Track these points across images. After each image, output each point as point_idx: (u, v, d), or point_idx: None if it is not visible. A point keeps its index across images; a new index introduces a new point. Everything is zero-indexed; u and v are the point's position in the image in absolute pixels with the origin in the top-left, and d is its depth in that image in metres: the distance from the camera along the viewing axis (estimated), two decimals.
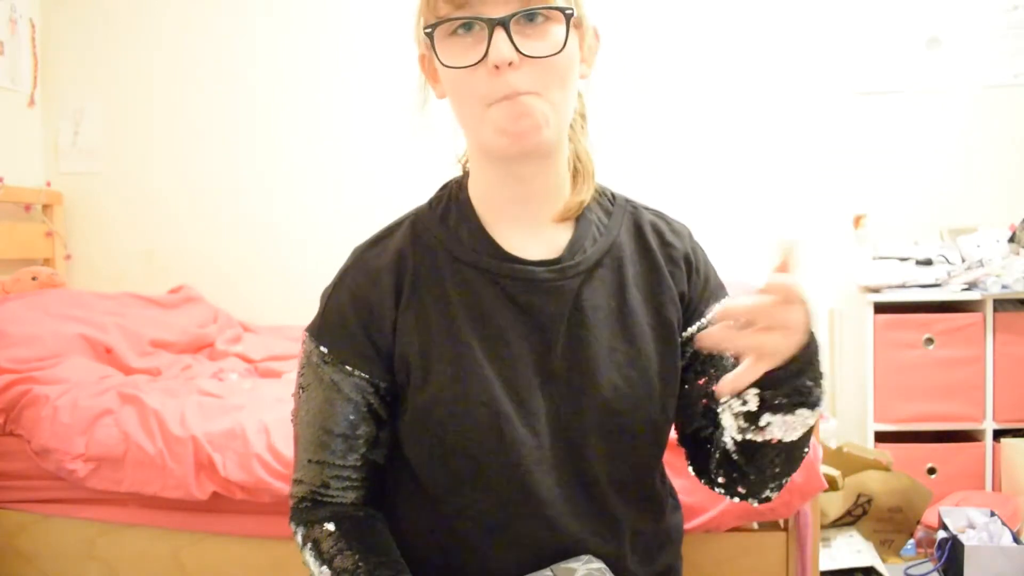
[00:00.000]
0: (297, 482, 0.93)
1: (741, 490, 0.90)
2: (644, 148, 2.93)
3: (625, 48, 2.95)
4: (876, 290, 2.63)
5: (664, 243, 0.94)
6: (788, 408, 0.76)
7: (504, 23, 0.77)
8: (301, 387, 0.93)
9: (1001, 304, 2.61)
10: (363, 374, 0.89)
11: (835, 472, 2.18)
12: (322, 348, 0.90)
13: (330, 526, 0.88)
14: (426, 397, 0.85)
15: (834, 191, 2.94)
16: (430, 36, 0.81)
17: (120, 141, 3.15)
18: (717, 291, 0.95)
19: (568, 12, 0.80)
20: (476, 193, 0.91)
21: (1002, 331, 2.57)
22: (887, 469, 2.36)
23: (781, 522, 1.65)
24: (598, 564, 0.84)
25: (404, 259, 0.90)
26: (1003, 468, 2.58)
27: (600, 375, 0.85)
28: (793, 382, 0.75)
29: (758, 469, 0.86)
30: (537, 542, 0.85)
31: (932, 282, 2.64)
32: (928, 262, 2.69)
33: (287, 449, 1.69)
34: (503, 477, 0.84)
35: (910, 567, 2.30)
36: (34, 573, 1.87)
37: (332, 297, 0.92)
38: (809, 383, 0.76)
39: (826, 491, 2.06)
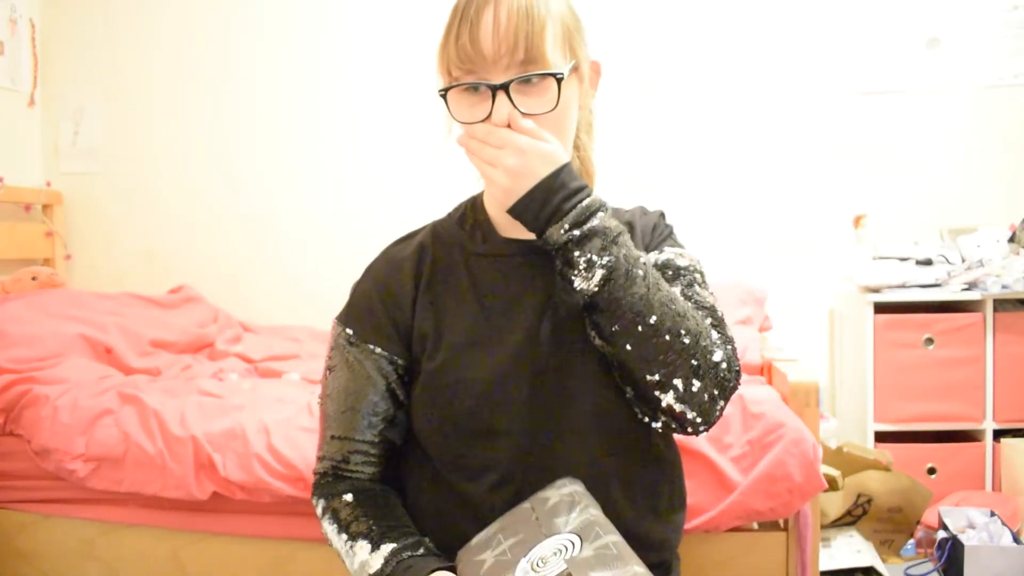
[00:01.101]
0: (320, 459, 1.06)
1: (645, 405, 0.96)
2: (644, 149, 2.93)
3: (626, 49, 2.95)
4: (876, 290, 2.63)
5: (641, 223, 1.09)
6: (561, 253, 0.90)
7: (505, 88, 0.90)
8: (329, 368, 1.04)
9: (1001, 304, 2.60)
10: (383, 351, 1.01)
11: (835, 472, 2.18)
12: (348, 330, 1.03)
13: (348, 497, 1.01)
14: (437, 364, 0.97)
15: (834, 191, 2.94)
16: (444, 96, 0.93)
17: (120, 141, 3.15)
18: (666, 245, 1.06)
19: (559, 77, 0.91)
20: (488, 203, 1.05)
21: (1002, 331, 2.57)
22: (887, 469, 2.36)
23: (781, 522, 1.65)
24: (571, 488, 0.90)
25: (425, 250, 1.04)
26: (1003, 468, 2.58)
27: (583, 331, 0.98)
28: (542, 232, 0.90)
29: (615, 354, 0.92)
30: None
31: (932, 282, 2.64)
32: (928, 262, 2.69)
33: (287, 449, 1.69)
34: (507, 437, 0.95)
35: (910, 567, 2.30)
36: (34, 573, 1.87)
37: (359, 285, 1.06)
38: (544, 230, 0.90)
39: (826, 491, 2.07)
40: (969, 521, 2.25)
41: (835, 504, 2.26)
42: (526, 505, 0.91)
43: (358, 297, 1.05)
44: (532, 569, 0.80)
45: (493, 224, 1.04)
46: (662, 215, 1.11)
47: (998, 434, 2.60)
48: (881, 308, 2.63)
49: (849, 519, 2.31)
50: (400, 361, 1.01)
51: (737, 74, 2.98)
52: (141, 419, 1.82)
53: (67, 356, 2.15)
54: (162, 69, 3.13)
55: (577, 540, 0.81)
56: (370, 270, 1.07)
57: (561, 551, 0.81)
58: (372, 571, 0.92)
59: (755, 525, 1.65)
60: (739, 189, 2.97)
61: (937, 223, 2.90)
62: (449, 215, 1.09)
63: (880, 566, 2.14)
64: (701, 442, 1.58)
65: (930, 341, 2.58)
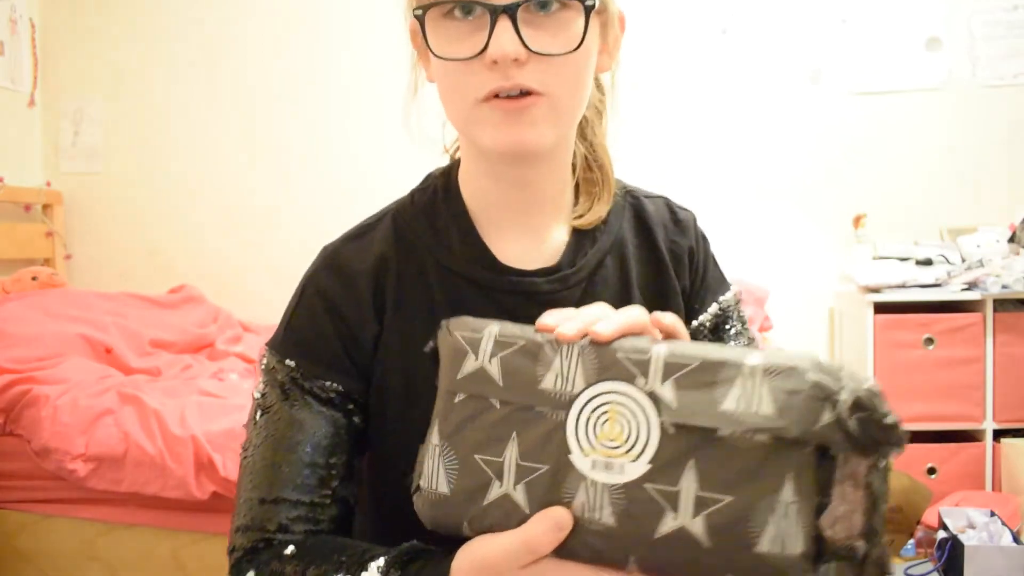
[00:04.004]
0: (242, 530, 0.73)
1: None
2: (643, 149, 2.93)
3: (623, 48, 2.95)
4: (876, 290, 2.63)
5: (668, 237, 0.85)
6: None
7: (511, 11, 0.66)
8: (261, 410, 0.76)
9: (1001, 304, 2.60)
10: (339, 387, 0.75)
11: None
12: (289, 362, 0.76)
13: (290, 549, 0.70)
14: (411, 429, 0.66)
15: (834, 191, 2.94)
16: (420, 19, 0.70)
17: (120, 141, 3.15)
18: (715, 285, 0.87)
19: (589, 4, 0.69)
20: (468, 191, 0.80)
21: (1002, 331, 2.57)
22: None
23: None
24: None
25: (386, 265, 0.77)
26: (1003, 468, 2.58)
27: None
28: None
29: None
30: None
31: (932, 282, 2.64)
32: (928, 262, 2.69)
33: None
34: None
35: (910, 567, 2.30)
36: (34, 573, 1.87)
37: (300, 304, 0.78)
38: None
39: None
40: (969, 521, 2.25)
41: None
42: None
43: (300, 319, 0.78)
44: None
45: (473, 221, 0.79)
46: (696, 223, 0.88)
47: (998, 434, 2.60)
48: (881, 308, 2.63)
49: None
50: (359, 399, 0.77)
51: (737, 74, 2.97)
52: (141, 419, 1.82)
53: (67, 356, 2.15)
54: (162, 69, 3.13)
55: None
56: (314, 283, 0.78)
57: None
58: None
59: None
60: (739, 189, 2.97)
61: (937, 223, 2.90)
62: (412, 199, 0.82)
63: None
64: None
65: (930, 341, 2.58)
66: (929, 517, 2.40)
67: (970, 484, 2.58)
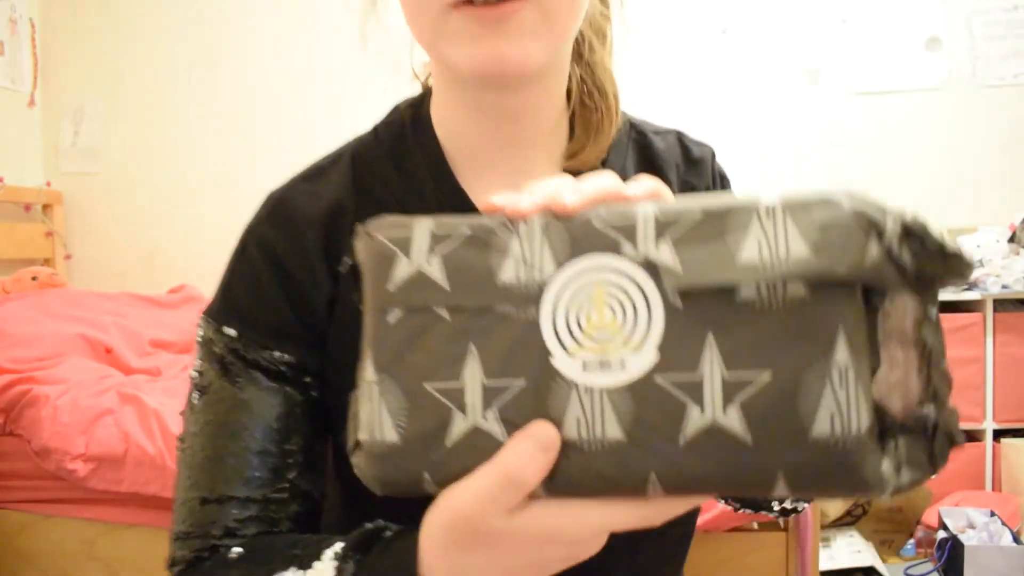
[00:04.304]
0: (182, 539, 0.60)
1: None
2: None
3: (618, 45, 2.95)
4: None
5: (681, 178, 0.74)
6: None
7: None
8: (199, 391, 0.63)
9: (1001, 304, 2.60)
10: (289, 357, 0.62)
11: None
12: (228, 331, 0.63)
13: (237, 551, 0.58)
14: None
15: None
16: None
17: (120, 141, 3.15)
18: None
19: None
20: (442, 126, 0.66)
21: (1002, 331, 2.57)
22: None
23: (781, 522, 1.65)
24: None
25: (341, 213, 0.64)
26: (1003, 468, 2.57)
27: None
28: None
29: None
30: None
31: None
32: None
33: None
34: None
35: (910, 567, 2.30)
36: (34, 573, 1.87)
37: (239, 261, 0.66)
38: None
39: None
40: (969, 521, 2.26)
41: (835, 504, 2.26)
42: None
43: (239, 280, 0.65)
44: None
45: (448, 161, 0.65)
46: (715, 159, 0.77)
47: (998, 434, 2.60)
48: None
49: (849, 519, 2.31)
50: (316, 371, 0.63)
51: (737, 74, 2.98)
52: (141, 419, 1.82)
53: (67, 356, 2.15)
54: (162, 69, 3.13)
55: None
56: (255, 235, 0.66)
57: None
58: None
59: (755, 525, 1.65)
60: (738, 189, 2.97)
61: (937, 223, 2.89)
62: (376, 136, 0.68)
63: (880, 566, 2.14)
64: None
65: None
66: (929, 517, 2.40)
67: (970, 484, 2.58)
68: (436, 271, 0.43)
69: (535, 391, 0.41)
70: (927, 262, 0.39)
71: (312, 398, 0.63)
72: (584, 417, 0.40)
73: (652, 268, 0.40)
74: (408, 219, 0.45)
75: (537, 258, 0.41)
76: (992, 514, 2.26)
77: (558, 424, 0.40)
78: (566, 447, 0.40)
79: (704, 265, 0.39)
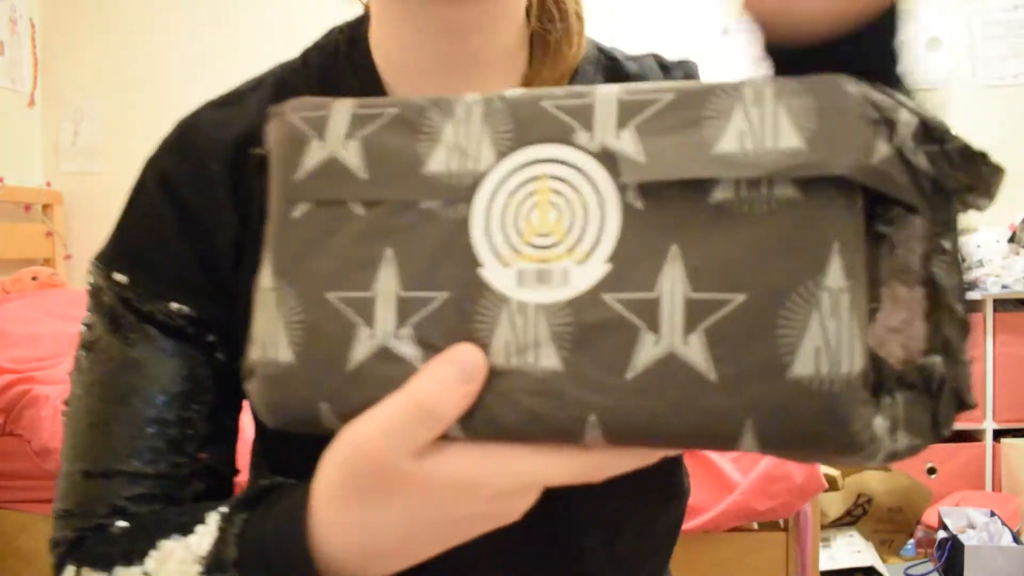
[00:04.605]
0: (64, 517, 0.52)
1: None
2: None
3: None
4: None
5: None
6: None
7: None
8: (85, 348, 0.55)
9: (1001, 304, 2.61)
10: (189, 310, 0.53)
11: (835, 472, 2.18)
12: (118, 277, 0.54)
13: (120, 525, 0.50)
14: None
15: None
16: None
17: (120, 141, 3.15)
18: None
19: None
20: (380, 49, 0.57)
21: (1002, 331, 2.57)
22: (887, 469, 2.36)
23: (781, 522, 1.65)
24: None
25: (254, 146, 0.53)
26: (1003, 468, 2.58)
27: None
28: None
29: None
30: None
31: None
32: None
33: None
34: None
35: (910, 567, 2.30)
36: (34, 573, 1.87)
37: (137, 196, 0.57)
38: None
39: (826, 491, 2.07)
40: (969, 521, 2.26)
41: (835, 504, 2.26)
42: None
43: (133, 219, 0.56)
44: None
45: (385, 88, 0.57)
46: (698, 74, 0.68)
47: (998, 434, 2.60)
48: None
49: (849, 519, 2.31)
50: (223, 328, 0.54)
51: (736, 75, 2.97)
52: None
53: (67, 356, 2.14)
54: (162, 69, 3.13)
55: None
56: (155, 166, 0.57)
57: None
58: (203, 554, 0.43)
59: (755, 525, 1.65)
60: None
61: None
62: (305, 62, 0.60)
63: (880, 566, 2.14)
64: None
65: None
66: (929, 517, 2.40)
67: (970, 484, 2.58)
68: (353, 157, 0.36)
69: (459, 307, 0.33)
70: (947, 170, 0.32)
71: (217, 361, 0.54)
72: (515, 340, 0.33)
73: (610, 160, 0.32)
74: (329, 100, 0.38)
75: (474, 146, 0.34)
76: (992, 514, 2.26)
77: (484, 348, 0.33)
78: (492, 377, 0.33)
79: (673, 156, 0.32)
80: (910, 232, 0.33)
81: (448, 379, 0.32)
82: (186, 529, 0.44)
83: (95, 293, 0.55)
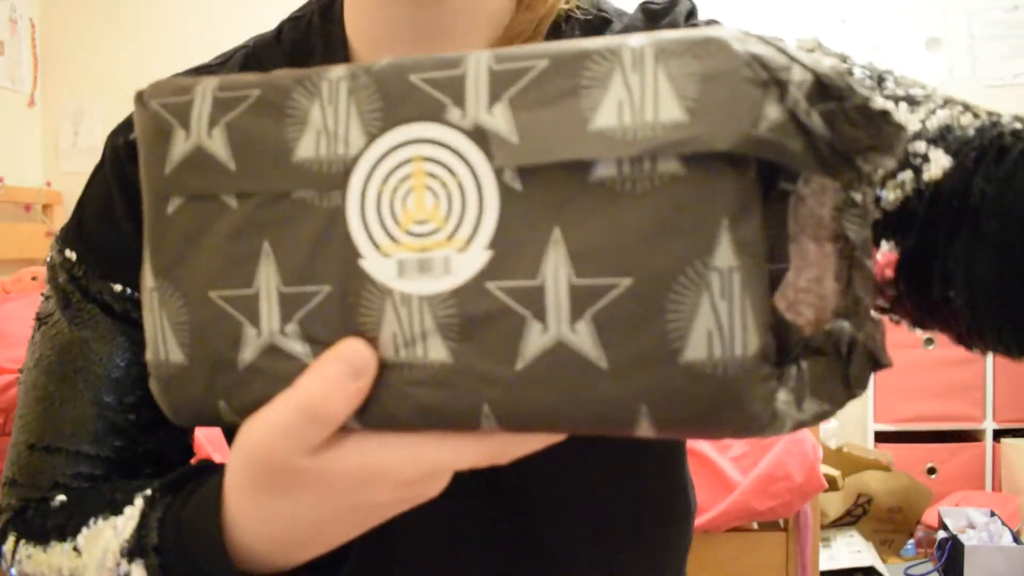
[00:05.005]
0: (9, 486, 0.53)
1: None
2: None
3: None
4: None
5: None
6: None
7: None
8: (38, 320, 0.56)
9: None
10: (133, 292, 0.53)
11: (835, 472, 2.18)
12: (68, 254, 0.54)
13: (59, 499, 0.50)
14: None
15: None
16: None
17: None
18: None
19: None
20: (353, 23, 0.55)
21: None
22: (887, 469, 2.36)
23: (781, 522, 1.65)
24: None
25: None
26: (1003, 468, 2.58)
27: None
28: None
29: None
30: None
31: None
32: None
33: None
34: None
35: (910, 567, 2.30)
36: None
37: (96, 173, 0.57)
38: None
39: (826, 491, 2.07)
40: (969, 521, 2.26)
41: (835, 504, 2.26)
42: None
43: (92, 194, 0.56)
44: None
45: (353, 59, 0.55)
46: (695, 17, 0.58)
47: (998, 434, 2.60)
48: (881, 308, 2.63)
49: (849, 519, 2.31)
50: None
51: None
52: None
53: None
54: (162, 69, 3.12)
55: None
56: (111, 144, 0.57)
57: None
58: (127, 537, 0.42)
59: (755, 525, 1.65)
60: None
61: None
62: (278, 36, 0.60)
63: (880, 566, 2.14)
64: (701, 442, 1.58)
65: (930, 341, 2.59)
66: (929, 517, 2.40)
67: (970, 484, 2.59)
68: (219, 146, 0.34)
69: (343, 301, 0.32)
70: (847, 130, 0.29)
71: None
72: (402, 333, 0.31)
73: (483, 137, 0.30)
74: (191, 80, 0.35)
75: (342, 128, 0.32)
76: (992, 514, 2.26)
77: (372, 342, 0.32)
78: (383, 370, 0.32)
79: (548, 134, 0.30)
80: (820, 184, 0.31)
81: (336, 377, 0.31)
82: (116, 509, 0.44)
83: (51, 268, 0.55)
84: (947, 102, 0.42)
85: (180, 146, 0.34)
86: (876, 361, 0.33)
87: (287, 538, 0.37)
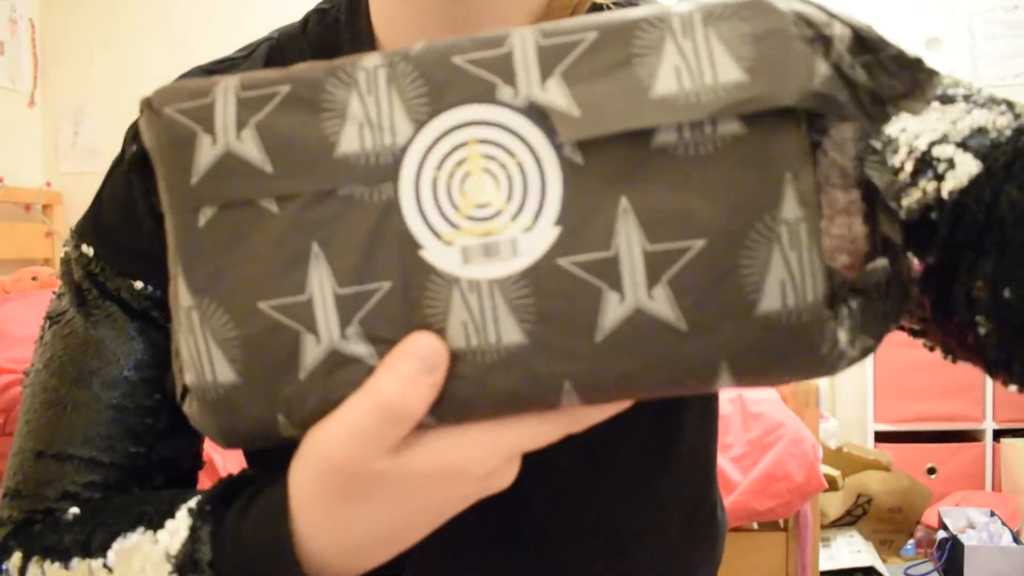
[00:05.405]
0: (12, 497, 0.50)
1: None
2: None
3: None
4: None
5: None
6: None
7: None
8: (50, 318, 0.52)
9: None
10: (153, 290, 0.50)
11: (835, 472, 2.18)
12: (85, 249, 0.52)
13: (73, 512, 0.47)
14: None
15: None
16: None
17: (120, 141, 3.14)
18: None
19: None
20: (382, 15, 0.53)
21: None
22: (887, 469, 2.36)
23: (781, 522, 1.65)
24: None
25: None
26: (1003, 468, 2.58)
27: None
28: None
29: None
30: None
31: None
32: None
33: None
34: None
35: (910, 567, 2.30)
36: None
37: (115, 165, 0.56)
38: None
39: (826, 491, 2.07)
40: (969, 521, 2.26)
41: (835, 504, 2.26)
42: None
43: (112, 187, 0.54)
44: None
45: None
46: None
47: (998, 434, 2.60)
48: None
49: (849, 519, 2.31)
50: None
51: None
52: None
53: None
54: (162, 69, 3.12)
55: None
56: (134, 132, 0.56)
57: None
58: (174, 553, 0.40)
59: (755, 525, 1.65)
60: None
61: None
62: (304, 27, 0.59)
63: (880, 566, 2.14)
64: None
65: None
66: (929, 517, 2.40)
67: (970, 484, 2.59)
68: (251, 148, 0.32)
69: (405, 295, 0.31)
70: (884, 79, 0.31)
71: None
72: (472, 320, 0.31)
73: (540, 115, 0.30)
74: (207, 82, 0.33)
75: (387, 117, 0.31)
76: (992, 514, 2.26)
77: (440, 333, 0.31)
78: (454, 361, 0.31)
79: (609, 105, 0.30)
80: (842, 135, 0.32)
81: (410, 374, 0.30)
82: (151, 522, 0.42)
83: (66, 263, 0.53)
84: (990, 102, 0.38)
85: (206, 152, 0.32)
86: (907, 292, 0.34)
87: (360, 544, 0.36)
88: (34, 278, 2.60)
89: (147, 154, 0.34)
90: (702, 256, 0.29)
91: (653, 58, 0.29)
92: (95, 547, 0.43)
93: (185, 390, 0.35)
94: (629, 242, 0.30)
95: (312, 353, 0.32)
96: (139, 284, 0.50)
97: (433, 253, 0.31)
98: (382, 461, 0.32)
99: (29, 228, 2.98)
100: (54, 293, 0.53)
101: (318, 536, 0.36)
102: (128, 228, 0.51)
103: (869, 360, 2.68)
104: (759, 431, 1.59)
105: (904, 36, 2.91)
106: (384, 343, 0.31)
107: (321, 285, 0.32)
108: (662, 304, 0.30)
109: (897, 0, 2.90)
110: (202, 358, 0.33)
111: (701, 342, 0.30)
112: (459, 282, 0.31)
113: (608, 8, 0.52)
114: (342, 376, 0.32)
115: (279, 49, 0.56)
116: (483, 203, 0.30)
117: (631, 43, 0.30)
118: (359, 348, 0.32)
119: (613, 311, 0.30)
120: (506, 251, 0.30)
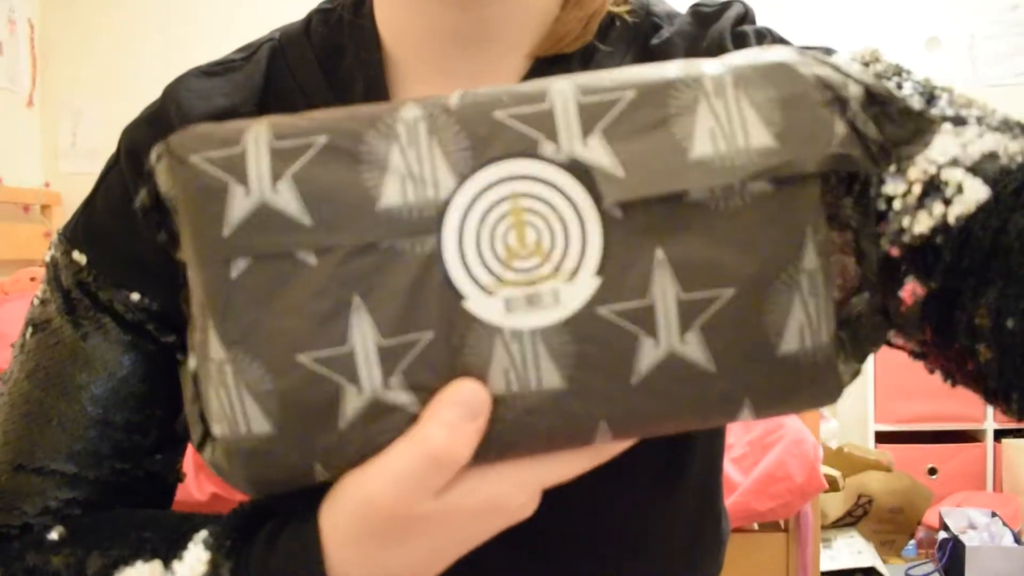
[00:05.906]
0: None
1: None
2: None
3: None
4: None
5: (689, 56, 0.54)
6: None
7: None
8: (33, 324, 0.51)
9: None
10: (148, 301, 0.48)
11: (835, 472, 2.18)
12: (77, 256, 0.49)
13: (57, 532, 0.44)
14: None
15: None
16: None
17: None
18: None
19: None
20: (386, 20, 0.51)
21: None
22: (888, 469, 2.36)
23: (781, 523, 1.65)
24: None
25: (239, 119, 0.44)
26: (1004, 468, 2.57)
27: None
28: None
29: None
30: None
31: None
32: None
33: None
34: None
35: (911, 568, 2.30)
36: None
37: (109, 168, 0.53)
38: None
39: (826, 492, 2.06)
40: (970, 521, 2.25)
41: (836, 505, 2.26)
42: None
43: (106, 192, 0.52)
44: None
45: (388, 63, 0.51)
46: (745, 17, 0.54)
47: (999, 434, 2.60)
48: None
49: (850, 520, 2.31)
50: (184, 324, 0.43)
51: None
52: None
53: None
54: (162, 69, 3.12)
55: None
56: (128, 137, 0.55)
57: None
58: None
59: (755, 525, 1.65)
60: None
61: None
62: (306, 28, 0.56)
63: (881, 567, 2.13)
64: None
65: None
66: (930, 518, 2.40)
67: (971, 485, 2.58)
68: (288, 201, 0.32)
69: (448, 344, 0.32)
70: (891, 128, 0.33)
71: (178, 362, 0.45)
72: (514, 367, 0.32)
73: (581, 171, 0.31)
74: (234, 127, 0.33)
75: (428, 170, 0.32)
76: (993, 515, 2.26)
77: (482, 379, 0.32)
78: (495, 404, 0.32)
79: (650, 166, 0.31)
80: (838, 179, 0.34)
81: (456, 421, 0.31)
82: (158, 553, 0.40)
83: (52, 266, 0.50)
84: (1003, 125, 0.37)
85: (239, 203, 0.32)
86: (889, 322, 0.36)
87: None
88: (33, 279, 2.59)
89: (160, 196, 0.34)
90: (731, 304, 0.32)
91: (688, 118, 0.31)
92: (91, 574, 0.41)
93: (205, 438, 0.35)
94: (664, 291, 0.32)
95: (353, 403, 0.32)
96: (135, 296, 0.48)
97: (476, 303, 0.32)
98: (427, 504, 0.33)
99: (28, 229, 2.97)
100: (36, 298, 0.50)
101: (351, 573, 0.36)
102: (122, 236, 0.48)
103: (869, 361, 2.66)
104: (759, 431, 1.59)
105: (904, 36, 2.91)
106: (426, 391, 0.32)
107: (363, 336, 0.32)
108: (694, 348, 0.32)
109: (897, 0, 2.90)
110: (235, 410, 0.33)
111: (728, 382, 0.32)
112: (502, 331, 0.32)
113: (619, 17, 0.52)
114: (384, 424, 0.32)
115: (281, 51, 0.55)
116: (526, 255, 0.32)
117: (667, 103, 0.31)
118: (401, 397, 0.32)
119: (648, 355, 0.32)
120: (548, 301, 0.32)
